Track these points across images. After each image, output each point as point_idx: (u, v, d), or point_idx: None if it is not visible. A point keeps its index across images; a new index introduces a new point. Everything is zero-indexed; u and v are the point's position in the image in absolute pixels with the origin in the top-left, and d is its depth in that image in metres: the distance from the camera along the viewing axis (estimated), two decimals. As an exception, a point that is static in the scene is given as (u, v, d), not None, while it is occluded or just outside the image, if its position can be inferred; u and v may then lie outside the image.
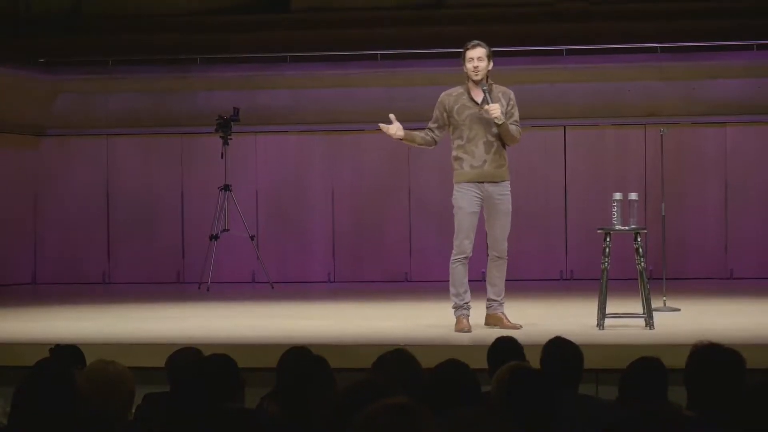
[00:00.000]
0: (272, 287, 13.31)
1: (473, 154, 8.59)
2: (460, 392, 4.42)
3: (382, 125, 8.71)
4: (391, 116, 8.70)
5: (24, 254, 14.70)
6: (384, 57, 14.67)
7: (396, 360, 4.85)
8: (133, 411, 4.92)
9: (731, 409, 4.02)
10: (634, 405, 4.65)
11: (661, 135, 10.79)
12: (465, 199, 8.60)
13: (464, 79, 8.72)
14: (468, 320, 8.57)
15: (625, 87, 14.32)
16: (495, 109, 8.48)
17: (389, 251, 14.45)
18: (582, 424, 4.72)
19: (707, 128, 14.22)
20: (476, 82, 8.61)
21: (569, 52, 14.46)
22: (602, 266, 8.55)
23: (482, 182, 8.60)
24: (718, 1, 14.96)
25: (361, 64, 14.67)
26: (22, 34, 15.38)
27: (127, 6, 15.85)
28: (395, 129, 8.68)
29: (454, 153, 8.69)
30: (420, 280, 14.19)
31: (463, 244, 8.58)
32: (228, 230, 13.32)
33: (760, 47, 14.15)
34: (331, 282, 14.49)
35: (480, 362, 5.43)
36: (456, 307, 8.61)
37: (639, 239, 8.59)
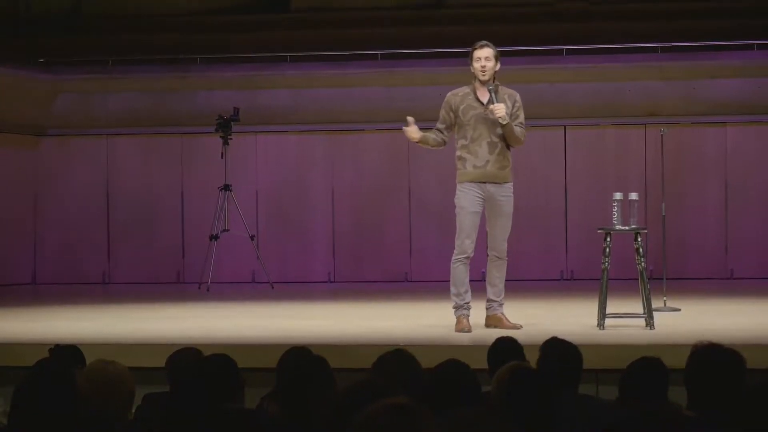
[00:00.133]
0: (272, 287, 13.30)
1: (476, 154, 8.59)
2: (460, 392, 4.42)
3: (404, 128, 8.70)
4: (410, 119, 8.69)
5: (24, 254, 14.70)
6: (384, 57, 14.67)
7: (396, 360, 4.85)
8: (133, 411, 4.92)
9: (731, 409, 4.02)
10: (634, 405, 4.65)
11: (661, 135, 10.78)
12: (467, 199, 8.60)
13: (470, 79, 8.72)
14: (468, 320, 8.56)
15: (625, 87, 14.33)
16: (500, 109, 8.48)
17: (389, 251, 14.46)
18: (582, 424, 4.72)
19: (707, 128, 14.22)
20: (483, 83, 8.61)
21: (569, 52, 14.46)
22: (602, 266, 8.55)
23: (484, 182, 8.60)
24: (718, 1, 14.96)
25: (361, 64, 14.67)
26: (22, 34, 15.38)
27: (127, 6, 15.85)
28: (413, 131, 8.67)
29: (457, 153, 8.69)
30: (420, 280, 14.19)
31: (464, 243, 8.58)
32: (228, 230, 13.32)
33: (760, 47, 14.15)
34: (332, 282, 14.50)
35: (480, 362, 5.43)
36: (456, 307, 8.61)
37: (639, 239, 8.59)
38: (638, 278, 8.59)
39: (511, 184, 8.68)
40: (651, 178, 13.79)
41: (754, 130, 14.17)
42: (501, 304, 8.74)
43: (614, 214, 8.63)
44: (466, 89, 8.71)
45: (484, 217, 8.68)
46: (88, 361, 5.44)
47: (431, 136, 8.76)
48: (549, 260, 14.27)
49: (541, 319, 9.36)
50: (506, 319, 8.69)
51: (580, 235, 14.02)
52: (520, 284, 11.86)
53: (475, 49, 8.67)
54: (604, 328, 8.42)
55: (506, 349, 5.56)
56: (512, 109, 8.62)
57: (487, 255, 8.80)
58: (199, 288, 13.19)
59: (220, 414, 4.13)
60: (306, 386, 4.62)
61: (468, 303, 8.60)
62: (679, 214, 13.85)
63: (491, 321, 8.73)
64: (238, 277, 14.35)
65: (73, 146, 14.91)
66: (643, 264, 8.55)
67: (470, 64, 8.68)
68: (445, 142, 8.79)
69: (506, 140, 8.62)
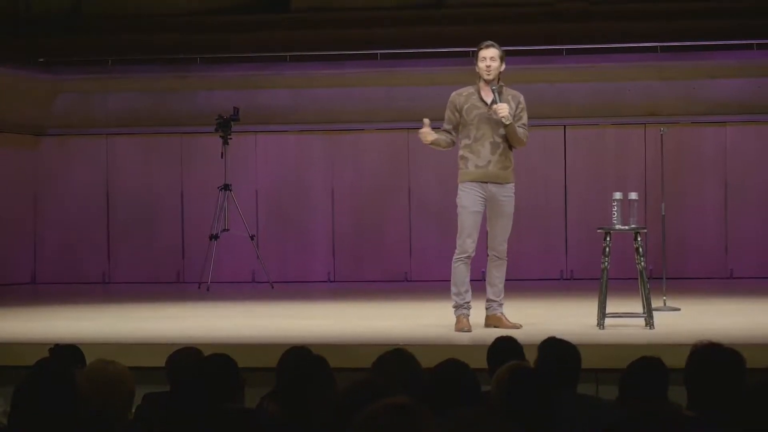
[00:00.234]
0: (272, 287, 13.30)
1: (479, 153, 8.59)
2: (460, 392, 4.42)
3: (420, 130, 8.68)
4: (426, 121, 8.68)
5: (24, 254, 14.70)
6: (384, 57, 14.67)
7: (396, 360, 4.85)
8: (133, 411, 4.92)
9: (731, 409, 4.02)
10: (634, 405, 4.65)
11: (661, 135, 10.79)
12: (468, 199, 8.61)
13: (475, 78, 8.72)
14: (468, 320, 8.57)
15: (625, 87, 14.33)
16: (503, 109, 8.49)
17: (389, 251, 14.46)
18: (582, 424, 4.72)
19: (707, 128, 14.22)
20: (487, 82, 8.62)
21: (569, 52, 14.46)
22: (602, 266, 8.55)
23: (486, 182, 8.60)
24: (718, 1, 14.96)
25: (361, 63, 14.67)
26: (22, 34, 15.38)
27: (127, 6, 15.85)
28: (428, 133, 8.66)
29: (460, 152, 8.69)
30: (420, 280, 14.19)
31: (465, 243, 8.58)
32: (228, 230, 13.32)
33: (759, 47, 14.15)
34: (331, 282, 14.49)
35: (480, 362, 5.43)
36: (456, 306, 8.61)
37: (639, 239, 8.59)
38: (638, 278, 8.59)
39: (513, 184, 8.69)
40: (651, 178, 13.79)
41: (754, 129, 14.17)
42: (501, 304, 8.74)
43: (614, 214, 8.63)
44: (470, 89, 8.71)
45: (486, 217, 8.69)
46: (88, 361, 5.44)
47: (442, 137, 8.76)
48: (549, 260, 14.27)
49: (540, 318, 9.36)
50: (506, 318, 8.69)
51: (580, 235, 14.03)
52: (520, 284, 11.86)
53: (481, 48, 8.68)
54: (603, 328, 8.42)
55: (506, 348, 5.56)
56: (516, 110, 8.63)
57: (487, 255, 8.80)
58: (199, 288, 13.19)
59: (220, 414, 4.13)
60: (306, 386, 4.62)
61: (468, 303, 8.60)
62: (678, 213, 13.85)
63: (491, 321, 8.73)
64: (238, 277, 14.35)
65: (73, 146, 14.91)
66: (642, 264, 8.56)
67: (475, 63, 8.68)
68: (453, 143, 8.79)
69: (509, 141, 8.63)
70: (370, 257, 14.49)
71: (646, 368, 4.85)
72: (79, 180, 14.81)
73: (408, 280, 14.36)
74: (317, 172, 14.61)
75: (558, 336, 5.43)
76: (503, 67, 8.68)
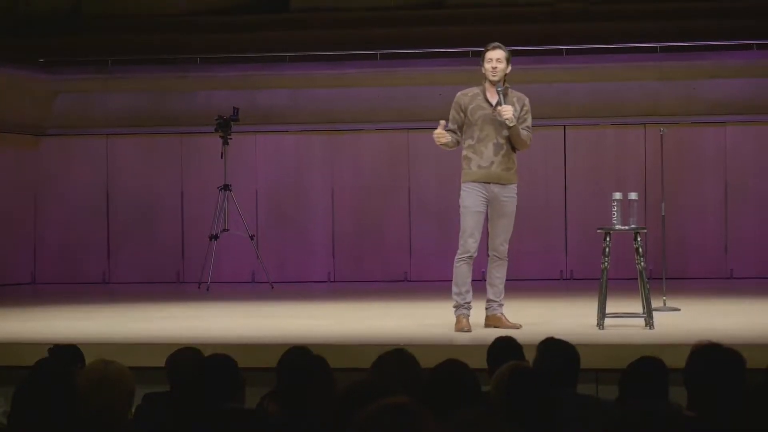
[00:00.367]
0: (272, 287, 13.30)
1: (482, 154, 8.60)
2: (460, 392, 4.42)
3: (435, 131, 8.66)
4: (442, 122, 8.67)
5: (24, 254, 14.70)
6: (384, 57, 14.67)
7: (396, 360, 4.85)
8: (133, 411, 4.92)
9: (731, 409, 4.03)
10: (634, 405, 4.65)
11: (661, 135, 10.78)
12: (471, 199, 8.61)
13: (481, 79, 8.72)
14: (468, 320, 8.57)
15: (625, 87, 14.33)
16: (507, 111, 8.49)
17: (389, 251, 14.46)
18: (582, 424, 4.72)
19: (707, 128, 14.22)
20: (493, 83, 8.62)
21: (569, 52, 14.46)
22: (602, 266, 8.55)
23: (489, 183, 8.61)
24: (718, 1, 14.96)
25: (361, 63, 14.67)
26: (22, 34, 15.39)
27: (127, 6, 15.86)
28: (442, 134, 8.65)
29: (463, 152, 8.70)
30: (420, 280, 14.19)
31: (467, 243, 8.59)
32: (228, 230, 13.32)
33: (759, 47, 14.15)
34: (331, 282, 14.50)
35: (480, 362, 5.43)
36: (457, 306, 8.62)
37: (639, 239, 8.59)
38: (638, 278, 8.59)
39: (516, 185, 8.70)
40: (650, 178, 13.79)
41: (754, 130, 14.17)
42: (501, 305, 8.74)
43: (614, 214, 8.63)
44: (475, 89, 8.72)
45: (487, 217, 8.69)
46: (87, 361, 5.44)
47: (450, 137, 8.75)
48: (549, 260, 14.27)
49: (540, 318, 9.36)
50: (506, 319, 8.69)
51: (580, 235, 14.03)
52: (520, 284, 11.86)
53: (488, 50, 8.68)
54: (603, 328, 8.42)
55: (505, 348, 5.56)
56: (520, 113, 8.63)
57: (488, 255, 8.80)
58: (199, 288, 13.20)
59: (220, 414, 4.13)
60: (306, 386, 4.62)
61: (468, 303, 8.61)
62: (678, 213, 13.85)
63: (491, 321, 8.73)
64: (238, 277, 14.36)
65: (73, 146, 14.92)
66: (642, 264, 8.55)
67: (481, 64, 8.69)
68: (458, 142, 8.79)
69: (512, 143, 8.63)
70: (370, 257, 14.49)
71: (646, 368, 4.85)
72: (79, 180, 14.81)
73: (408, 280, 14.36)
74: (317, 172, 14.61)
75: (558, 336, 5.43)
76: (509, 68, 8.69)
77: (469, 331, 8.48)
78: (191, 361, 5.31)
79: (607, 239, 8.60)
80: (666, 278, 10.49)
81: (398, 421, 2.77)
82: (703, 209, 14.16)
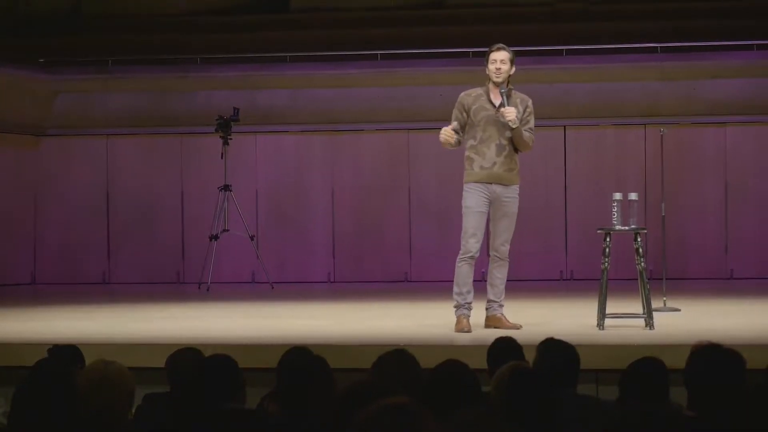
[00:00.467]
0: (272, 287, 13.30)
1: (484, 155, 8.60)
2: (460, 392, 4.41)
3: (445, 131, 8.65)
4: (455, 124, 8.65)
5: (24, 254, 14.70)
6: (384, 57, 14.67)
7: (396, 360, 4.85)
8: (133, 411, 4.91)
9: (731, 409, 4.03)
10: (634, 405, 4.65)
11: (661, 135, 10.78)
12: (473, 199, 8.61)
13: (485, 80, 8.72)
14: (468, 320, 8.57)
15: (625, 87, 14.33)
16: (510, 112, 8.49)
17: (389, 251, 14.46)
18: (582, 424, 4.72)
19: (707, 128, 14.23)
20: (497, 84, 8.62)
21: (569, 52, 14.46)
22: (602, 266, 8.55)
23: (491, 183, 8.60)
24: (718, 1, 14.96)
25: (361, 63, 14.68)
26: (22, 34, 15.39)
27: (127, 6, 15.86)
28: (450, 135, 8.63)
29: (466, 153, 8.69)
30: (420, 280, 14.19)
31: (469, 243, 8.58)
32: (228, 230, 13.32)
33: (760, 47, 14.15)
34: (331, 282, 14.50)
35: (480, 362, 5.43)
36: (457, 306, 8.61)
37: (639, 239, 8.58)
38: (638, 278, 8.59)
39: (518, 186, 8.69)
40: (651, 178, 13.79)
41: (754, 130, 14.17)
42: (501, 305, 8.74)
43: (614, 214, 8.62)
44: (479, 90, 8.72)
45: (489, 217, 8.68)
46: (87, 361, 5.44)
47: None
48: (549, 260, 14.27)
49: (540, 319, 9.36)
50: (506, 319, 8.69)
51: (580, 235, 14.03)
52: (520, 284, 11.86)
53: (492, 51, 8.68)
54: (603, 328, 8.42)
55: (506, 349, 5.55)
56: (523, 114, 8.63)
57: (489, 255, 8.80)
58: (199, 288, 13.20)
59: (220, 414, 4.13)
60: (306, 386, 4.62)
61: (469, 303, 8.60)
62: (678, 214, 13.85)
63: (491, 321, 8.73)
64: (238, 277, 14.36)
65: (73, 146, 14.92)
66: (642, 264, 8.55)
67: (485, 65, 8.68)
68: (460, 142, 8.79)
69: (514, 144, 8.64)
70: (370, 257, 14.49)
71: (646, 368, 4.85)
72: (79, 180, 14.81)
73: (408, 280, 14.36)
74: (317, 172, 14.61)
75: (558, 337, 5.43)
76: (513, 69, 8.69)
77: (469, 331, 8.47)
78: (191, 362, 5.31)
79: (607, 239, 8.59)
80: (666, 278, 10.49)
81: (398, 421, 2.77)
82: (703, 209, 14.16)
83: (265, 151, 14.69)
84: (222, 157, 13.39)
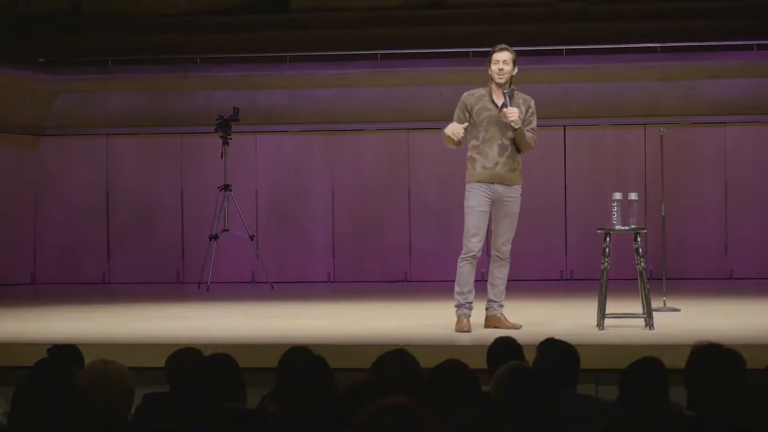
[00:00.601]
0: (272, 287, 13.30)
1: (486, 155, 8.60)
2: (460, 392, 4.41)
3: (453, 127, 8.64)
4: (466, 125, 8.64)
5: (24, 254, 14.70)
6: (384, 57, 14.67)
7: (396, 360, 4.85)
8: (133, 411, 4.91)
9: (731, 409, 4.02)
10: (634, 405, 4.65)
11: (661, 135, 10.78)
12: (475, 199, 8.61)
13: (487, 80, 8.72)
14: (468, 320, 8.57)
15: (625, 87, 14.33)
16: (513, 113, 8.50)
17: (389, 251, 14.46)
18: (582, 424, 4.72)
19: (707, 128, 14.22)
20: (499, 85, 8.62)
21: (569, 52, 14.46)
22: (602, 266, 8.55)
23: (493, 183, 8.61)
24: (718, 1, 14.96)
25: (361, 63, 14.68)
26: (22, 34, 15.39)
27: (127, 6, 15.86)
28: (459, 132, 8.62)
29: (468, 153, 8.70)
30: (420, 280, 14.19)
31: (471, 243, 8.58)
32: (228, 230, 13.32)
33: (760, 47, 14.15)
34: (331, 282, 14.50)
35: (480, 362, 5.43)
36: (458, 306, 8.61)
37: (639, 239, 8.58)
38: (638, 278, 8.59)
39: (520, 186, 8.70)
40: (650, 178, 13.79)
41: (754, 130, 14.17)
42: (501, 305, 8.74)
43: (614, 214, 8.62)
44: (482, 90, 8.72)
45: (491, 217, 8.68)
46: (87, 361, 5.44)
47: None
48: (549, 260, 14.27)
49: (540, 319, 9.36)
50: (506, 319, 8.69)
51: (580, 235, 14.03)
52: (520, 284, 11.85)
53: (495, 51, 8.69)
54: (603, 328, 8.42)
55: (506, 349, 5.55)
56: (525, 115, 8.64)
57: (490, 255, 8.80)
58: (199, 288, 13.20)
59: (220, 414, 4.13)
60: (306, 386, 4.62)
61: (470, 303, 8.60)
62: (678, 214, 13.85)
63: (491, 321, 8.73)
64: (238, 277, 14.36)
65: (73, 146, 14.92)
66: (642, 264, 8.55)
67: (488, 66, 8.69)
68: (460, 142, 8.79)
69: (516, 144, 8.64)
70: (370, 257, 14.49)
71: (646, 368, 4.85)
72: (79, 180, 14.81)
73: (408, 280, 14.36)
74: (317, 172, 14.61)
75: (558, 336, 5.43)
76: (515, 70, 8.69)
77: (469, 331, 8.47)
78: (191, 362, 5.31)
79: (607, 239, 8.59)
80: (666, 278, 10.49)
81: (398, 421, 2.77)
82: (703, 209, 14.16)
83: (265, 151, 14.69)
84: (222, 157, 13.38)
